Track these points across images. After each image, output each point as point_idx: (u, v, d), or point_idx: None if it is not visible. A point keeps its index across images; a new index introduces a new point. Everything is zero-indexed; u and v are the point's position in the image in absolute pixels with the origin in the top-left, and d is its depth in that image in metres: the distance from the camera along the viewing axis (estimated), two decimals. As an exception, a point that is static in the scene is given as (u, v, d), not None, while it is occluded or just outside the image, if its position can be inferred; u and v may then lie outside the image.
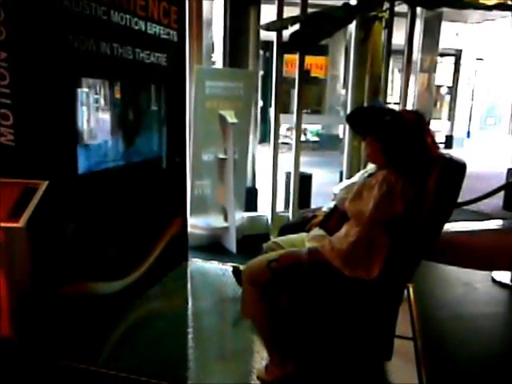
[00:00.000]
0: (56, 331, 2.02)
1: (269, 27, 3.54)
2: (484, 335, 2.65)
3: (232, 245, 3.75)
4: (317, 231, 1.94)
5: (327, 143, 12.44)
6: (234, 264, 2.92)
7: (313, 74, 14.60)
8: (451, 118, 13.80)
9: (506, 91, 14.23)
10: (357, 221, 1.66)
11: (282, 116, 4.00)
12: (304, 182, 4.78)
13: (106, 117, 2.60)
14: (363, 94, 4.06)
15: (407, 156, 1.71)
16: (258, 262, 1.83)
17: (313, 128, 12.52)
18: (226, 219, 3.89)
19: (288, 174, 4.92)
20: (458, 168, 1.63)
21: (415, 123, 1.70)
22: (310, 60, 15.23)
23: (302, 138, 14.00)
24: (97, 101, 2.46)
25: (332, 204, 2.41)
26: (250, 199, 4.34)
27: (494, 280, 3.37)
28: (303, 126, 14.03)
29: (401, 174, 1.66)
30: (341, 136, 12.81)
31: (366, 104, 3.71)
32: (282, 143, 4.83)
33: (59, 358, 2.01)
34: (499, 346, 2.61)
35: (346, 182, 2.75)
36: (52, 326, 2.01)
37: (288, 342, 1.84)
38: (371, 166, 2.42)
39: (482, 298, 3.13)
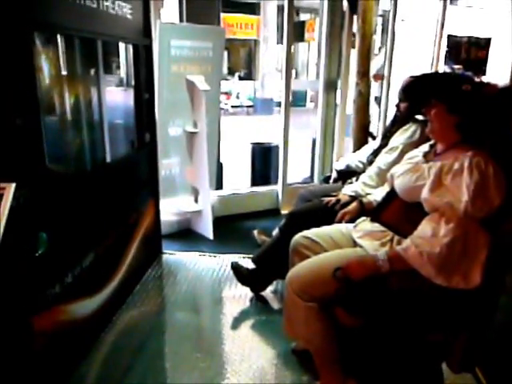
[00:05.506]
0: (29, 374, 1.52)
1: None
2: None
3: (208, 230, 3.31)
4: (369, 225, 1.61)
5: (262, 107, 12.08)
6: (233, 260, 2.53)
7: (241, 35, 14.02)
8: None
9: (425, 51, 14.85)
10: (444, 216, 1.34)
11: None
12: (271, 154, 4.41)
13: (65, 87, 2.00)
14: (338, 58, 3.74)
15: (491, 133, 1.42)
16: (315, 271, 1.46)
17: (246, 92, 12.04)
18: (196, 201, 3.43)
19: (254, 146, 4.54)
20: None
21: (502, 94, 1.40)
22: (237, 19, 14.53)
23: (236, 103, 13.41)
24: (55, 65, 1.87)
25: (357, 187, 2.10)
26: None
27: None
28: (237, 90, 13.36)
29: (488, 155, 1.37)
30: (275, 100, 12.51)
31: (353, 69, 3.38)
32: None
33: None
34: None
35: (358, 154, 2.43)
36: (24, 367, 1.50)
37: (351, 360, 1.53)
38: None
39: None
